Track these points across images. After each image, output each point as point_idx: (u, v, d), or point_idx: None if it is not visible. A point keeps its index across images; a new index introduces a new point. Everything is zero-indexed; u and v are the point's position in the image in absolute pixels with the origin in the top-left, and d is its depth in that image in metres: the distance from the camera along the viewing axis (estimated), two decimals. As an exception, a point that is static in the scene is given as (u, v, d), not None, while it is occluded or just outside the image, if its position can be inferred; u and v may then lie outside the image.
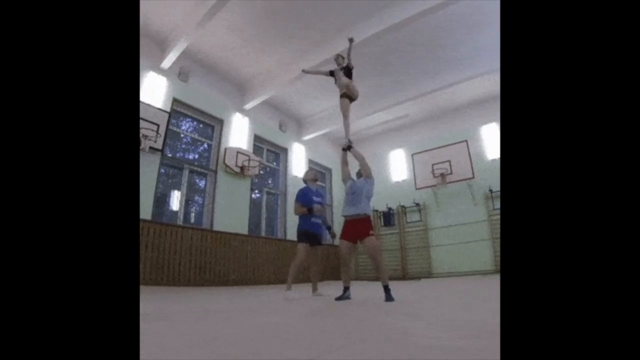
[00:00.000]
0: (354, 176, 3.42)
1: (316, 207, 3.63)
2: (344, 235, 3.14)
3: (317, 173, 4.24)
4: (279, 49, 6.04)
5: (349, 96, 3.72)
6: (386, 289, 2.81)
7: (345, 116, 3.73)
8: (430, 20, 5.24)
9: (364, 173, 3.26)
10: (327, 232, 3.94)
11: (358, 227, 3.05)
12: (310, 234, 3.62)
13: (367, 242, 2.96)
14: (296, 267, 3.51)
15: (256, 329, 1.65)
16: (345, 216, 3.19)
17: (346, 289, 3.16)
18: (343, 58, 3.95)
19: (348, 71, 3.79)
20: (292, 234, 4.97)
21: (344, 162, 3.49)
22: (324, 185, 9.47)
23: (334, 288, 3.44)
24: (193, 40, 5.37)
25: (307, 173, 4.11)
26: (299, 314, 2.19)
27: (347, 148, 3.44)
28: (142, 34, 5.34)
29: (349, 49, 3.99)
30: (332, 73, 3.91)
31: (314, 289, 3.70)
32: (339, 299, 3.04)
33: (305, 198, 3.71)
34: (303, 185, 3.99)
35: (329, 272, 7.31)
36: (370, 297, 3.21)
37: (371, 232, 3.01)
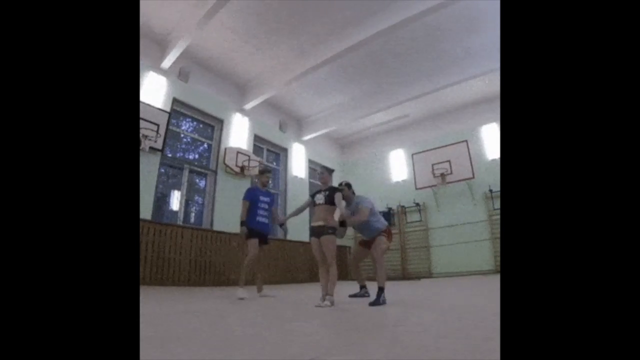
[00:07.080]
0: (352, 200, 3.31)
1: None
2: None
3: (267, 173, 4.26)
4: (279, 48, 6.04)
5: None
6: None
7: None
8: (430, 20, 5.25)
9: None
10: (278, 228, 3.99)
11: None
12: (256, 232, 3.74)
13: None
14: (249, 262, 3.63)
15: (254, 329, 1.65)
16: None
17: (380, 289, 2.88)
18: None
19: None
20: (292, 234, 4.95)
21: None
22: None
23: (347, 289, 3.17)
24: (193, 40, 5.37)
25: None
26: (302, 314, 2.19)
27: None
28: (142, 34, 5.34)
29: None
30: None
31: (259, 290, 3.81)
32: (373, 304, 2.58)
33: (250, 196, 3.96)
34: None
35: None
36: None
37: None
